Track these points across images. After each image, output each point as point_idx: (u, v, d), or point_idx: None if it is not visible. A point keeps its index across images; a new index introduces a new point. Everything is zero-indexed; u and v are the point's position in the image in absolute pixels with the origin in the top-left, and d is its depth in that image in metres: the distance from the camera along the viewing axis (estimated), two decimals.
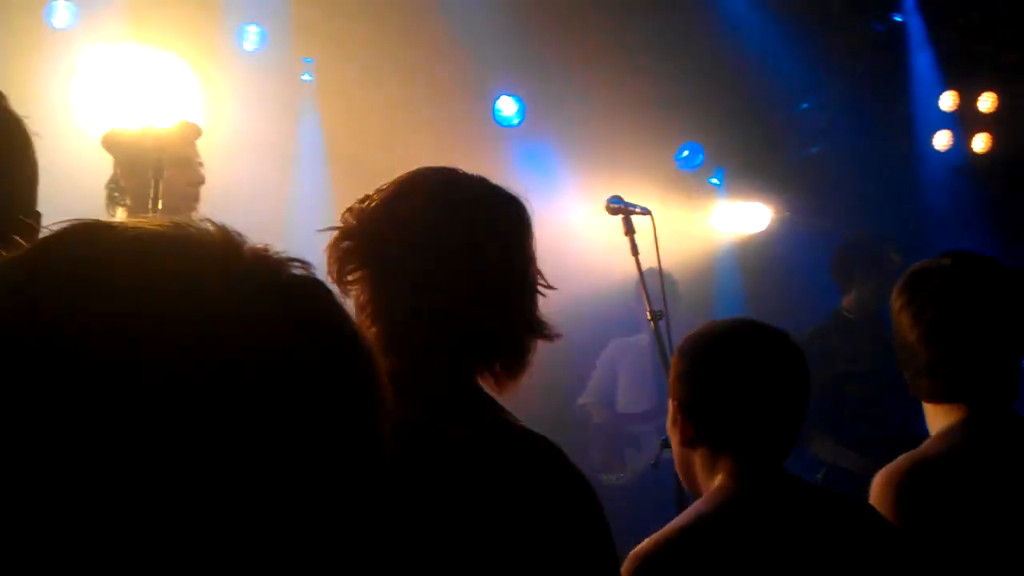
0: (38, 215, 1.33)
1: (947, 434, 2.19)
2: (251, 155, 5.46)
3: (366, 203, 1.68)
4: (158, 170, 3.18)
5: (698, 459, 2.02)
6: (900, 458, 2.19)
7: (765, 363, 2.00)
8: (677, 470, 2.09)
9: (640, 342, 5.73)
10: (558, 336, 1.72)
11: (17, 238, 0.76)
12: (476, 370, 1.66)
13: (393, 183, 1.71)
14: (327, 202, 5.75)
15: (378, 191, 1.71)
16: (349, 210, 1.70)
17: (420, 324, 1.61)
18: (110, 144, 3.72)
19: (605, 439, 5.67)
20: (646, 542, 1.89)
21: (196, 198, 3.66)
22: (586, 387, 5.95)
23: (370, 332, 1.59)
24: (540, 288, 1.73)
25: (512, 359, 1.67)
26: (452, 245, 1.64)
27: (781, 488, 1.98)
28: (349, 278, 1.64)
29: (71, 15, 5.49)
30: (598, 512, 1.58)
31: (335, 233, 1.68)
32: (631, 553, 1.87)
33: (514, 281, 1.69)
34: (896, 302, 2.26)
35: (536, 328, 1.70)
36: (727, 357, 2.02)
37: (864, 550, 1.93)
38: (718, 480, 1.98)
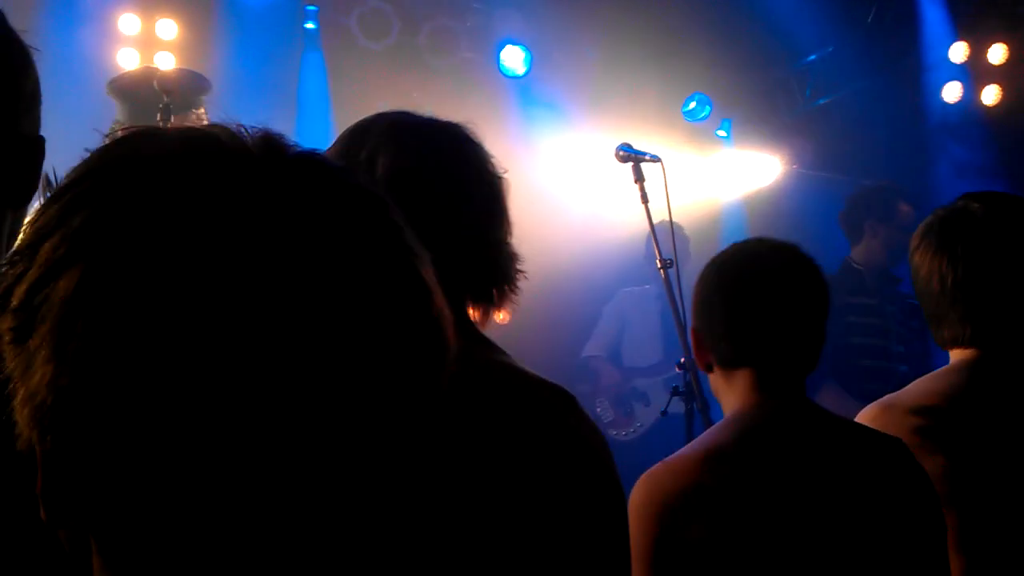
0: (41, 140, 1.29)
1: (932, 378, 2.16)
2: (255, 104, 5.41)
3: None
4: (166, 113, 3.15)
5: (720, 384, 2.00)
6: (877, 401, 2.16)
7: (767, 276, 1.95)
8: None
9: (648, 292, 5.70)
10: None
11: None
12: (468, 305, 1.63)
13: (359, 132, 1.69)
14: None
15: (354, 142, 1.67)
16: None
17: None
18: (116, 89, 3.69)
19: (613, 394, 5.66)
20: (659, 465, 1.86)
21: None
22: (591, 336, 5.92)
23: None
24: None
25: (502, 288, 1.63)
26: (438, 189, 1.60)
27: (799, 411, 1.94)
28: None
29: None
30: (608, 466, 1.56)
31: None
32: (643, 475, 1.85)
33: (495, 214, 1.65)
34: (919, 246, 2.19)
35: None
36: (728, 275, 1.98)
37: (881, 476, 1.90)
38: (734, 403, 1.95)
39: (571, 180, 6.35)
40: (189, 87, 3.61)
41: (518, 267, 1.64)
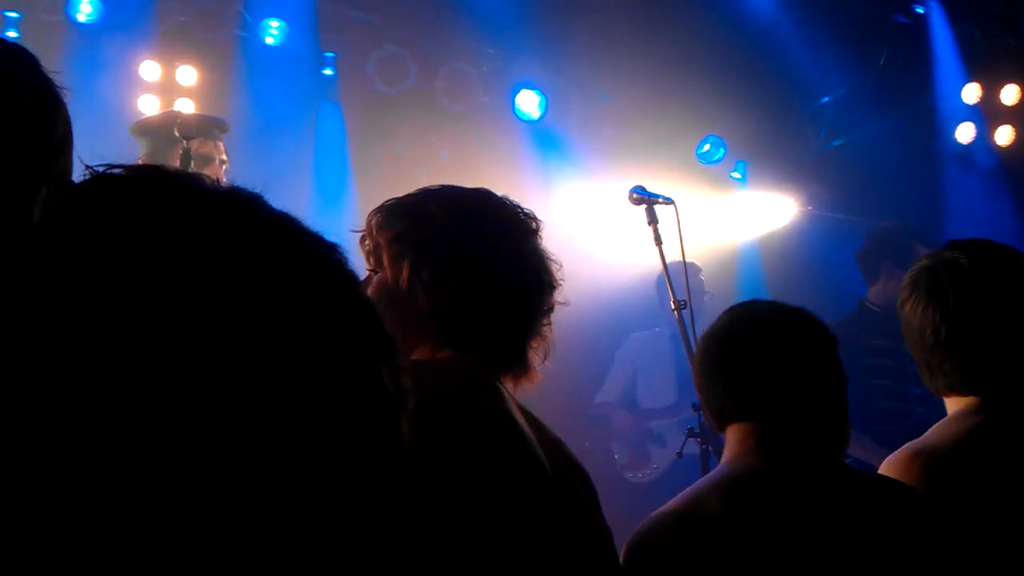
0: (71, 183, 1.33)
1: (951, 422, 2.17)
2: (274, 148, 5.49)
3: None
4: (185, 156, 3.21)
5: (726, 438, 2.02)
6: (904, 447, 2.17)
7: (758, 334, 1.99)
8: None
9: (660, 335, 5.70)
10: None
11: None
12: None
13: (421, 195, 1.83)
14: (348, 193, 5.78)
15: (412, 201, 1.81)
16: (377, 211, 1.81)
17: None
18: (139, 130, 3.76)
19: (628, 437, 5.65)
20: (644, 521, 1.88)
21: None
22: (605, 383, 5.92)
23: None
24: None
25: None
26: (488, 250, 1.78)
27: (794, 466, 1.92)
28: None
29: (94, 9, 5.52)
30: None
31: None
32: (633, 530, 1.88)
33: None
34: (909, 297, 2.21)
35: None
36: (720, 335, 2.03)
37: (885, 524, 1.89)
38: (727, 456, 1.97)
39: (585, 223, 6.38)
40: (208, 130, 3.68)
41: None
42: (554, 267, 1.84)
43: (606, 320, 6.08)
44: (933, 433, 2.18)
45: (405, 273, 1.73)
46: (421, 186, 1.87)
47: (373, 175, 5.86)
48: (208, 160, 3.71)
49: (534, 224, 1.85)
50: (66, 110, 1.36)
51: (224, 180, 3.67)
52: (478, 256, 1.75)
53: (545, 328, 1.82)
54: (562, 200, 6.38)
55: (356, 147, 6.12)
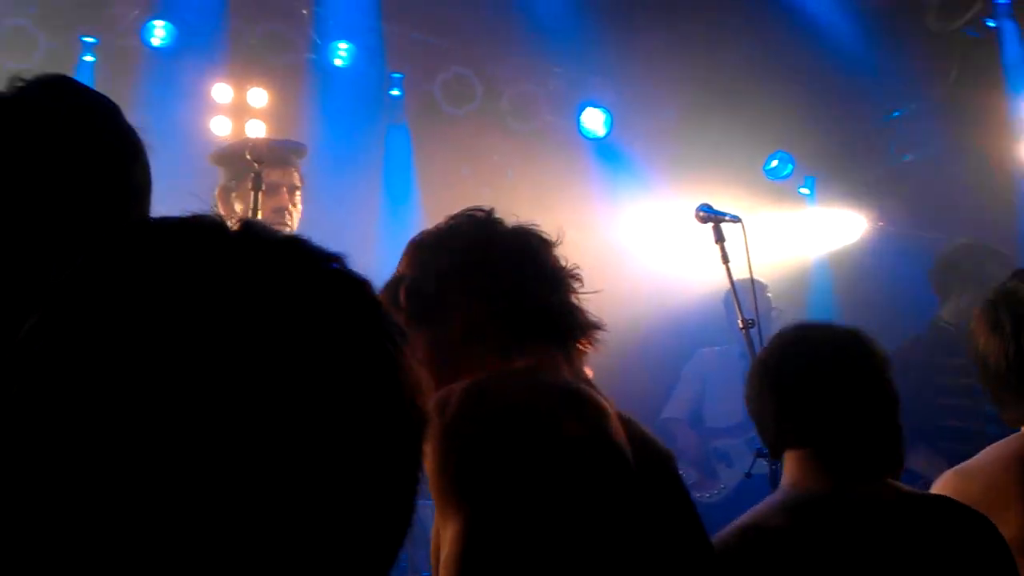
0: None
1: (1000, 444, 2.14)
2: (343, 169, 5.56)
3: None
4: (256, 182, 3.27)
5: (784, 465, 2.02)
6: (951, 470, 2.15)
7: (808, 361, 2.00)
8: None
9: (730, 352, 5.64)
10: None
11: None
12: None
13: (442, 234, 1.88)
14: (416, 213, 5.83)
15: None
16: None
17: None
18: (216, 160, 3.84)
19: (695, 456, 5.59)
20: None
21: (282, 224, 3.72)
22: (671, 398, 5.87)
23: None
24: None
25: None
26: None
27: (851, 491, 1.92)
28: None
29: (168, 34, 5.65)
30: None
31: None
32: None
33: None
34: (975, 330, 2.19)
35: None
36: (774, 367, 2.04)
37: (948, 553, 1.86)
38: (784, 483, 1.96)
39: (652, 241, 6.36)
40: (280, 157, 3.75)
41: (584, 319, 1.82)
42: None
43: (672, 336, 6.05)
44: (980, 454, 2.16)
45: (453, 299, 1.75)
46: (484, 204, 1.92)
47: (439, 195, 5.91)
48: (276, 187, 3.77)
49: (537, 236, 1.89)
50: (145, 158, 1.40)
51: (292, 206, 3.74)
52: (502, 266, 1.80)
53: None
54: (628, 217, 6.38)
55: (422, 167, 6.18)
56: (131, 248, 0.73)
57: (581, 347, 1.82)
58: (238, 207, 3.70)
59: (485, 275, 1.77)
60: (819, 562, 1.79)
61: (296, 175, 3.86)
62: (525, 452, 1.49)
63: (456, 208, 1.93)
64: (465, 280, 1.77)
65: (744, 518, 1.93)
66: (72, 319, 0.70)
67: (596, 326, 1.85)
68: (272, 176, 3.76)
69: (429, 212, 5.91)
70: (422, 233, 1.89)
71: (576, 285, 1.85)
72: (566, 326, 1.80)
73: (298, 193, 3.84)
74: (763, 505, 1.96)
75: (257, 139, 3.61)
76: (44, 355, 0.69)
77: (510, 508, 1.44)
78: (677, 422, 5.72)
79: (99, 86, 5.56)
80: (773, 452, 2.02)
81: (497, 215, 1.88)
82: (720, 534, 1.90)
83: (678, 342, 6.03)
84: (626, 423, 1.71)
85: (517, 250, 1.82)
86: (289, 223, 3.75)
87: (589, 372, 1.85)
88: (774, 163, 6.80)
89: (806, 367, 1.98)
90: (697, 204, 3.96)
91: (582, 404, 1.62)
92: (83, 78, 5.54)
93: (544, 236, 1.87)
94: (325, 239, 0.79)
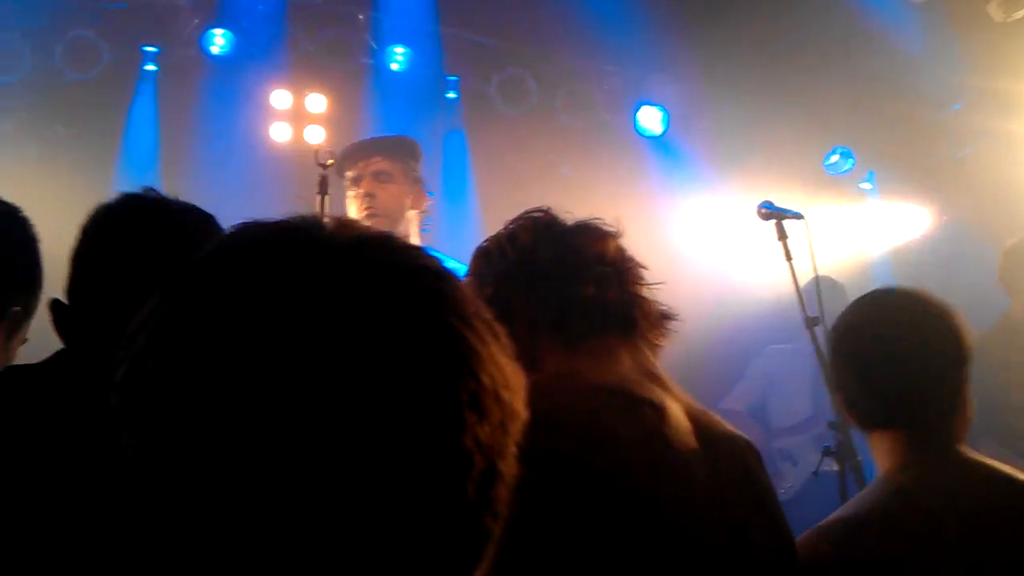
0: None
1: None
2: None
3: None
4: (322, 186, 3.34)
5: (871, 443, 1.96)
6: None
7: (896, 332, 1.92)
8: None
9: (799, 349, 5.57)
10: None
11: None
12: None
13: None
14: (474, 213, 5.85)
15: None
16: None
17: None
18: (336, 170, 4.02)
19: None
20: (811, 532, 1.84)
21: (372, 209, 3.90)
22: (733, 390, 5.79)
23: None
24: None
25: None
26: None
27: (954, 469, 1.88)
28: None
29: (227, 42, 5.73)
30: None
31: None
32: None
33: None
34: None
35: None
36: (857, 334, 1.97)
37: None
38: (884, 464, 1.91)
39: (711, 239, 6.32)
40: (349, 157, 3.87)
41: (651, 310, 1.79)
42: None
43: (734, 334, 5.99)
44: None
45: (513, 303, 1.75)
46: (541, 204, 1.90)
47: (495, 194, 5.92)
48: (358, 180, 3.91)
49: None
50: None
51: (353, 211, 3.85)
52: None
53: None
54: (686, 215, 6.34)
55: (478, 167, 6.19)
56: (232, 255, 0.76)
57: (651, 340, 1.79)
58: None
59: (541, 274, 1.76)
60: (944, 550, 1.74)
61: (376, 162, 3.96)
62: (562, 455, 1.47)
63: (512, 206, 1.93)
64: (522, 280, 1.76)
65: (854, 509, 1.87)
66: (180, 330, 0.72)
67: (666, 316, 1.81)
68: (353, 171, 3.93)
69: (486, 211, 5.93)
70: (485, 239, 1.89)
71: (644, 275, 1.83)
72: (628, 319, 1.77)
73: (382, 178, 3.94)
74: (873, 495, 1.89)
75: (316, 144, 3.70)
76: (157, 368, 0.72)
77: (550, 513, 1.43)
78: (738, 414, 5.65)
79: (161, 95, 5.71)
80: (862, 426, 1.95)
81: (556, 212, 1.88)
82: (820, 529, 1.85)
83: (739, 341, 5.97)
84: (696, 417, 1.69)
85: (577, 246, 1.80)
86: (374, 207, 3.87)
87: (657, 365, 1.81)
88: (834, 158, 6.71)
89: (902, 346, 1.90)
90: (756, 201, 3.92)
91: (631, 404, 1.61)
92: (145, 87, 5.69)
93: (606, 229, 1.84)
94: None
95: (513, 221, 1.87)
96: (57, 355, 1.60)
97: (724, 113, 6.43)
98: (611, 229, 1.84)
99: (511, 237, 1.83)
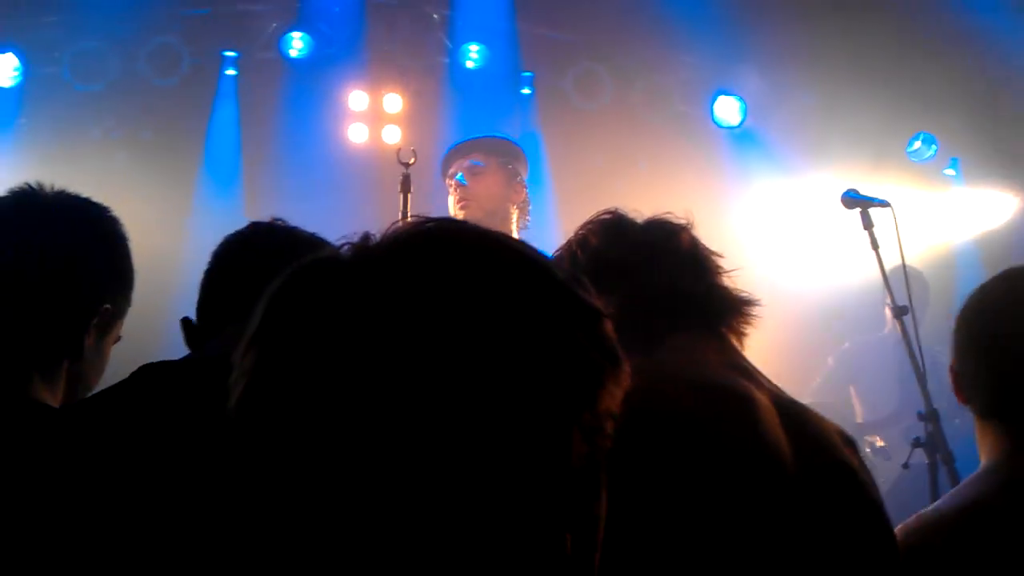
0: None
1: None
2: None
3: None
4: (405, 183, 3.39)
5: (977, 429, 1.89)
6: None
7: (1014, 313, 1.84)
8: None
9: (887, 339, 5.47)
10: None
11: None
12: None
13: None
14: (549, 205, 5.86)
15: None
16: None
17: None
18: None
19: None
20: (914, 519, 1.79)
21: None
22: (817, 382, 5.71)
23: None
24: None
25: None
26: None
27: None
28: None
29: (305, 45, 5.80)
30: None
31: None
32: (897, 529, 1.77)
33: None
34: None
35: None
36: (986, 318, 1.87)
37: None
38: (989, 454, 1.84)
39: (791, 227, 6.23)
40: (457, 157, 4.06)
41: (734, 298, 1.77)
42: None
43: (815, 325, 5.91)
44: None
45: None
46: (618, 198, 1.91)
47: (571, 188, 5.91)
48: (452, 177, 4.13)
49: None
50: None
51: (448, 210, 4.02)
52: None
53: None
54: (766, 205, 6.26)
55: (555, 164, 6.19)
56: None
57: (736, 328, 1.76)
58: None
59: (616, 274, 1.74)
60: None
61: (472, 156, 4.12)
62: (658, 448, 1.45)
63: (590, 203, 1.93)
64: (596, 284, 1.75)
65: (952, 500, 1.81)
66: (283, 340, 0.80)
67: (748, 302, 1.78)
68: (453, 168, 4.13)
69: (563, 207, 5.92)
70: (557, 248, 1.89)
71: (721, 264, 1.80)
72: (710, 309, 1.75)
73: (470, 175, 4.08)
74: (978, 487, 1.82)
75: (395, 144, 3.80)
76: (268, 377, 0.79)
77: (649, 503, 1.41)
78: (826, 406, 5.54)
79: (241, 98, 5.81)
80: (978, 412, 1.87)
81: (625, 212, 1.87)
82: (924, 519, 1.79)
83: (826, 329, 5.89)
84: (785, 407, 1.66)
85: (648, 243, 1.79)
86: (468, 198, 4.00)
87: (743, 356, 1.78)
88: (917, 144, 6.58)
89: (991, 323, 1.82)
90: (839, 191, 3.85)
91: (718, 396, 1.57)
92: (225, 91, 5.80)
93: (676, 222, 1.82)
94: None
95: (583, 226, 1.87)
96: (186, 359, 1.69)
97: (803, 102, 6.33)
98: (682, 222, 1.83)
99: (581, 242, 1.83)
